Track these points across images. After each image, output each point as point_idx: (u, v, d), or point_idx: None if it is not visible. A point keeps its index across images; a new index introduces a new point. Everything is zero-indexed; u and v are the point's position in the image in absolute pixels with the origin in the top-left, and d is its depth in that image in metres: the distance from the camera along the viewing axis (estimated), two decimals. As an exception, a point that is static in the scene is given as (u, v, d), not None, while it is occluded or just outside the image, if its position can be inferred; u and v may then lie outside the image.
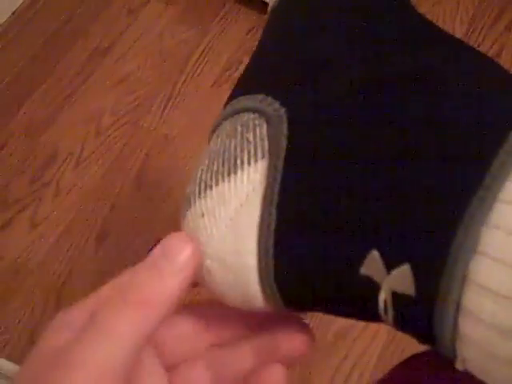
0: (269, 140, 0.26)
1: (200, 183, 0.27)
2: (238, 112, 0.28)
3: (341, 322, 0.89)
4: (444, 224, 0.21)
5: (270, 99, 0.27)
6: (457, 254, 0.20)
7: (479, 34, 1.08)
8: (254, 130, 0.26)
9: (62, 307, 0.26)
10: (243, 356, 0.30)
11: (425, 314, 0.21)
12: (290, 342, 0.28)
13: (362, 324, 0.87)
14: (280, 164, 0.25)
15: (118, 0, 1.23)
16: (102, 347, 0.23)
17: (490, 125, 0.22)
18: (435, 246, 0.21)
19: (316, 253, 0.24)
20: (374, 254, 0.22)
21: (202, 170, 0.27)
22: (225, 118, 0.28)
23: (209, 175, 0.27)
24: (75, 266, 0.93)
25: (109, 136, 1.06)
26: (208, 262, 0.26)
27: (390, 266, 0.22)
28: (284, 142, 0.25)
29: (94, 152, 1.04)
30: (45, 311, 0.89)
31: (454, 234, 0.20)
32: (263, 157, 0.26)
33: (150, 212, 0.97)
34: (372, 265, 0.22)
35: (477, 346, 0.21)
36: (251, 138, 0.26)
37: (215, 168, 0.27)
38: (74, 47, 1.17)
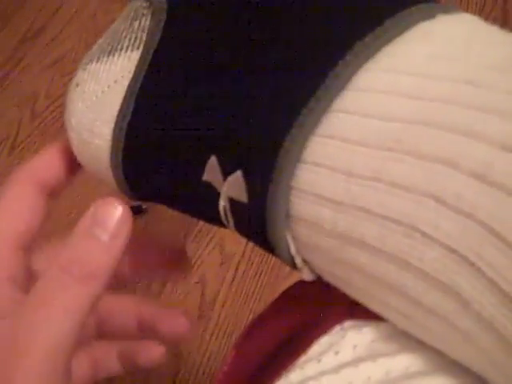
0: (148, 32, 0.26)
1: (88, 55, 0.28)
2: None
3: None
4: (274, 133, 0.21)
5: None
6: (282, 163, 0.20)
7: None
8: (141, 19, 0.26)
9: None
10: (129, 305, 0.31)
11: (258, 221, 0.21)
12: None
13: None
14: (148, 58, 0.25)
15: (48, -19, 1.21)
16: (50, 328, 0.23)
17: (332, 40, 0.21)
18: (264, 153, 0.21)
19: (161, 155, 0.24)
20: (213, 159, 0.22)
21: (98, 44, 0.28)
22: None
23: (96, 50, 0.27)
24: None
25: (44, 119, 1.03)
26: (71, 133, 0.27)
27: (226, 172, 0.22)
28: (158, 37, 0.25)
29: (29, 136, 1.01)
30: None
31: (281, 143, 0.20)
32: (139, 48, 0.26)
33: (88, 194, 0.95)
34: (211, 171, 0.22)
35: (321, 253, 0.21)
36: (136, 27, 0.26)
37: (103, 45, 0.27)
38: (4, 31, 1.14)
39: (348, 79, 0.20)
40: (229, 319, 0.76)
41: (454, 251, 0.18)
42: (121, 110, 0.25)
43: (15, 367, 0.22)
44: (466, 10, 0.22)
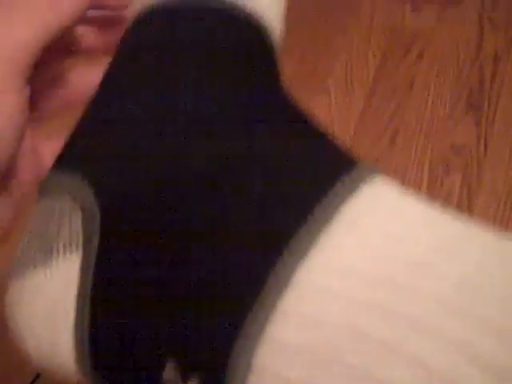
0: (83, 234, 0.26)
1: (21, 257, 0.27)
2: (58, 189, 0.27)
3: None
4: (221, 345, 0.22)
5: (86, 187, 0.26)
6: (233, 373, 0.21)
7: (392, 65, 1.11)
8: (70, 218, 0.26)
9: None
10: None
11: None
12: None
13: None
14: (92, 263, 0.25)
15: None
16: (14, 33, 0.25)
17: (267, 238, 0.23)
18: (214, 365, 0.22)
19: (123, 358, 0.25)
20: (171, 363, 0.23)
21: (25, 241, 0.28)
22: (47, 186, 0.28)
23: (29, 253, 0.27)
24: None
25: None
26: (27, 347, 0.27)
27: (184, 377, 0.23)
28: (96, 241, 0.25)
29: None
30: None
31: (229, 354, 0.21)
32: (78, 251, 0.26)
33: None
34: (170, 373, 0.23)
35: None
36: (67, 227, 0.26)
37: (35, 247, 0.27)
38: None
39: (287, 279, 0.21)
40: None
41: None
42: (77, 318, 0.25)
43: None
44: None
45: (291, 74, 1.12)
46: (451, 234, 0.22)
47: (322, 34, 1.17)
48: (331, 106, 1.07)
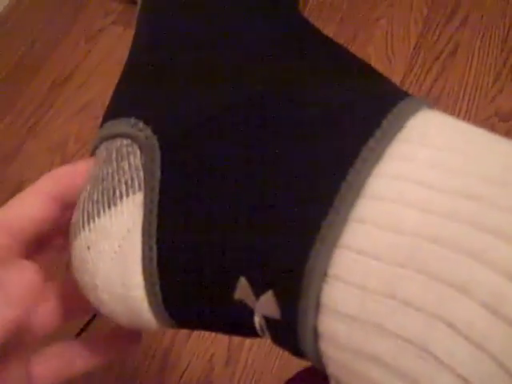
0: (144, 171, 0.25)
1: (83, 213, 0.27)
2: (112, 136, 0.27)
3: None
4: (297, 251, 0.21)
5: (141, 124, 0.26)
6: (309, 279, 0.21)
7: (434, 32, 1.09)
8: (129, 159, 0.26)
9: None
10: None
11: (291, 336, 0.22)
12: None
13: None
14: (155, 197, 0.25)
15: (76, 28, 1.24)
16: None
17: (337, 149, 0.22)
18: (291, 272, 0.21)
19: (195, 283, 0.24)
20: (242, 280, 0.23)
21: (85, 197, 0.27)
22: (101, 141, 0.28)
23: (90, 205, 0.27)
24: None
25: (74, 163, 1.06)
26: (98, 293, 0.26)
27: (257, 292, 0.22)
28: (158, 174, 0.25)
29: (59, 180, 1.04)
30: None
31: (306, 260, 0.21)
32: (140, 188, 0.25)
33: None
34: (243, 290, 0.23)
35: (339, 366, 0.21)
36: (126, 168, 0.26)
37: (95, 197, 0.27)
38: (35, 78, 1.17)
39: (361, 187, 0.21)
40: (256, 363, 0.76)
41: (466, 380, 0.18)
42: (144, 256, 0.25)
43: None
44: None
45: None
46: None
47: (364, 0, 1.15)
48: (372, 71, 1.06)
